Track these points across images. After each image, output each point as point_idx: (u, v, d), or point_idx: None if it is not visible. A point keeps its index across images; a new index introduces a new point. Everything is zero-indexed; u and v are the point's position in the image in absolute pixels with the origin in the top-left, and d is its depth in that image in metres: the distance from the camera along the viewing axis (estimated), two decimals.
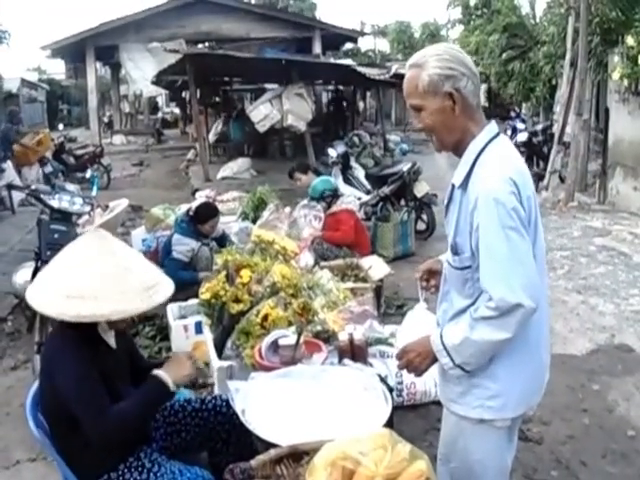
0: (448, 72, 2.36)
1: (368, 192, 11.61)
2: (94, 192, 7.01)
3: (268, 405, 2.84)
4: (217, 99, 25.03)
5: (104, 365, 2.92)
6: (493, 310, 2.26)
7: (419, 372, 2.60)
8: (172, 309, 6.22)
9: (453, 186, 2.53)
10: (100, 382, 2.83)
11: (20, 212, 11.89)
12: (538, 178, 14.61)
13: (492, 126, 2.47)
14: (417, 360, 2.55)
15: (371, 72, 17.63)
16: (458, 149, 2.49)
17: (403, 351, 2.62)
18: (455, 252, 2.47)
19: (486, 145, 2.41)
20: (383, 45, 49.55)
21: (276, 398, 2.89)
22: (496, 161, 2.36)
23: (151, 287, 2.91)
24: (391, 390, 3.66)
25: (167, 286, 3.06)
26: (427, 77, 2.37)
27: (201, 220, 6.91)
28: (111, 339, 3.08)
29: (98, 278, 2.81)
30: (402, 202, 10.63)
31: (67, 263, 2.96)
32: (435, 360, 2.51)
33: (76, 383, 2.77)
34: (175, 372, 3.02)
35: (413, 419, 4.78)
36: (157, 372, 3.00)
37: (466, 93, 2.39)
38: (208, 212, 7.02)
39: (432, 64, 2.37)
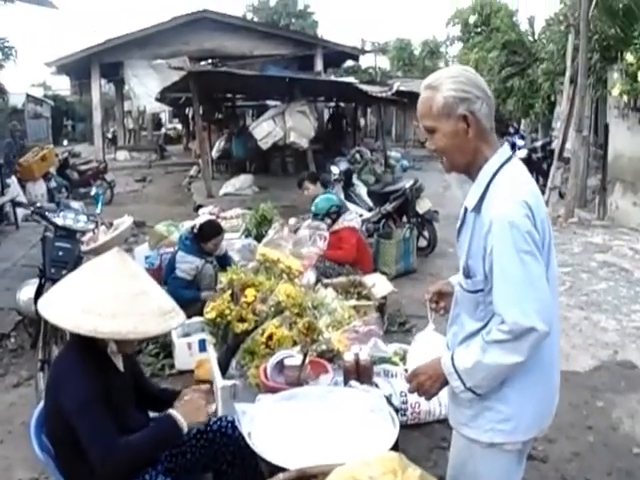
0: (463, 95, 2.36)
1: (370, 209, 11.61)
2: (99, 210, 7.02)
3: (275, 428, 2.84)
4: (220, 115, 25.10)
5: (112, 388, 2.92)
6: (506, 334, 2.25)
7: (429, 395, 2.58)
8: None
9: (466, 209, 2.51)
10: (107, 409, 2.82)
11: (24, 227, 11.87)
12: None
13: (505, 149, 2.47)
14: (428, 383, 2.52)
15: (373, 90, 17.72)
16: (469, 171, 2.48)
17: (413, 374, 2.59)
18: (467, 275, 2.45)
19: (499, 168, 2.40)
20: (383, 62, 49.61)
21: (283, 421, 2.90)
22: (510, 184, 2.35)
23: (167, 312, 2.94)
24: (397, 411, 3.67)
25: (181, 314, 3.08)
26: (442, 99, 2.37)
27: (205, 238, 6.93)
28: (119, 362, 3.09)
29: (118, 297, 2.83)
30: (404, 219, 10.61)
31: (87, 280, 2.98)
32: (445, 383, 2.48)
33: (83, 408, 2.77)
34: (191, 418, 3.00)
35: (417, 438, 4.76)
36: (174, 414, 2.98)
37: (480, 116, 2.38)
38: (212, 230, 7.04)
39: (447, 86, 2.37)
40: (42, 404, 3.09)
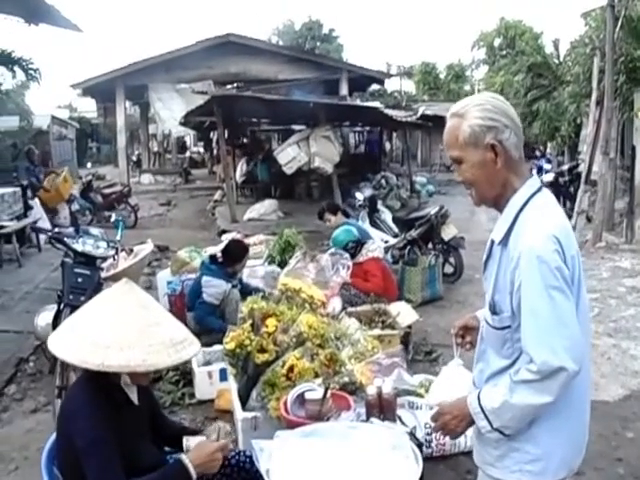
0: (490, 123, 2.27)
1: (396, 235, 11.53)
2: (119, 236, 6.99)
3: (294, 465, 2.74)
4: (245, 140, 25.17)
5: (125, 422, 2.86)
6: (535, 373, 2.16)
7: (455, 435, 2.51)
8: (196, 354, 6.14)
9: (492, 242, 2.42)
10: (117, 446, 2.74)
11: (46, 250, 11.87)
12: None
13: (534, 180, 2.37)
14: (453, 423, 2.44)
15: (398, 114, 17.69)
16: (499, 203, 2.39)
17: (438, 413, 2.51)
18: (494, 311, 2.35)
19: (528, 200, 2.31)
20: (409, 86, 49.81)
21: (302, 458, 2.79)
22: (539, 217, 2.25)
23: (179, 343, 2.84)
24: (420, 445, 3.56)
25: (195, 343, 2.98)
26: (468, 128, 2.28)
27: (238, 258, 6.94)
28: (134, 395, 3.01)
29: (127, 330, 2.76)
30: (429, 245, 10.53)
31: (95, 312, 2.92)
32: (472, 423, 2.40)
33: (91, 447, 2.70)
34: (204, 468, 2.90)
35: (443, 470, 4.66)
36: (185, 460, 2.88)
37: (508, 145, 2.29)
38: (241, 251, 7.09)
39: (473, 114, 2.29)
40: (54, 436, 3.02)
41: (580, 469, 4.51)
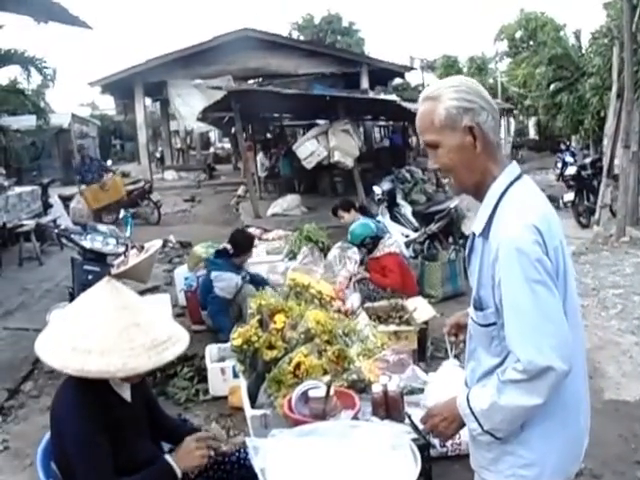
0: (467, 104, 2.17)
1: (416, 229, 11.46)
2: (128, 233, 7.00)
3: (289, 465, 2.68)
4: (268, 135, 25.14)
5: (118, 421, 2.81)
6: (521, 373, 2.06)
7: (445, 437, 2.45)
8: (211, 350, 6.15)
9: (474, 234, 2.32)
10: (107, 449, 2.71)
11: (68, 247, 12.00)
12: (590, 212, 14.37)
13: (514, 167, 2.26)
14: (442, 425, 2.36)
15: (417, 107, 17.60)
16: (479, 192, 2.27)
17: (428, 415, 2.44)
18: (479, 307, 2.26)
19: (507, 188, 2.20)
20: (432, 79, 49.64)
21: (298, 457, 2.73)
22: (518, 206, 2.15)
23: (161, 343, 2.77)
24: (428, 445, 3.49)
25: (182, 340, 2.91)
26: (444, 110, 2.18)
27: (247, 248, 6.96)
28: (126, 392, 2.96)
29: (106, 333, 2.70)
30: (450, 240, 10.45)
31: (76, 315, 2.87)
32: (462, 424, 2.32)
33: (79, 450, 2.67)
34: (185, 463, 2.89)
35: (458, 470, 4.48)
36: (169, 460, 2.88)
37: (487, 129, 2.19)
38: (248, 240, 7.17)
39: (449, 96, 2.19)
40: (49, 434, 3.00)
41: (598, 472, 4.49)
